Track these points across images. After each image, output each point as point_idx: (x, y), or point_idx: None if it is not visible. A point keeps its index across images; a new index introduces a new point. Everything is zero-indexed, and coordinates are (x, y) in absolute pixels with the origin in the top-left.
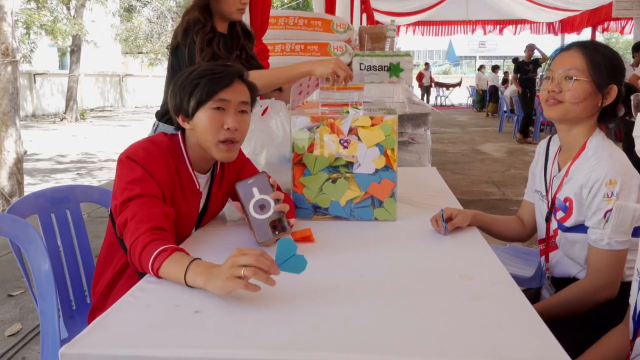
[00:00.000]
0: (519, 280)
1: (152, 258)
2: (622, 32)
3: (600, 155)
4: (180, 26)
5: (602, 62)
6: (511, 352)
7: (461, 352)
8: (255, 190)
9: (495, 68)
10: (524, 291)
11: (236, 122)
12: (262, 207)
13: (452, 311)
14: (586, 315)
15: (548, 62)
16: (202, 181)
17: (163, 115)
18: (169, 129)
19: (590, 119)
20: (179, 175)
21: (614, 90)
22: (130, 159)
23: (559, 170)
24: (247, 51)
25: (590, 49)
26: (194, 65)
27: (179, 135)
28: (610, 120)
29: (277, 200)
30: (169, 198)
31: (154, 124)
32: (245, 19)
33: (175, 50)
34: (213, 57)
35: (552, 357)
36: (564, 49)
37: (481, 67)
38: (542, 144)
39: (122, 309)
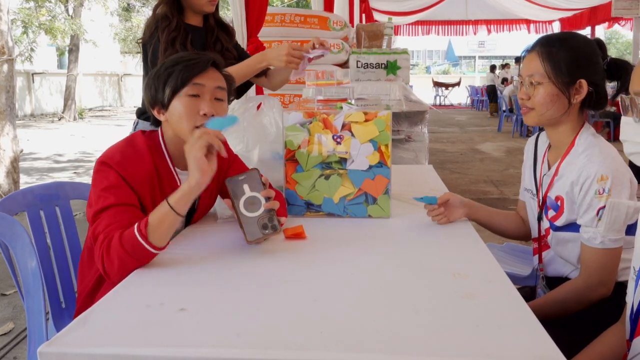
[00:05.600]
0: (515, 278)
1: (135, 227)
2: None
3: (591, 151)
4: (151, 20)
5: (562, 60)
6: (505, 351)
7: (454, 351)
8: (246, 187)
9: (493, 68)
10: (519, 289)
11: (212, 108)
12: (252, 204)
13: (446, 309)
14: (581, 315)
15: (520, 64)
16: (184, 178)
17: (142, 113)
18: (148, 126)
19: (570, 115)
20: (158, 173)
21: (583, 85)
22: (104, 164)
23: (549, 168)
24: (223, 43)
25: (549, 47)
26: (168, 58)
27: (159, 131)
28: (597, 108)
29: (267, 198)
30: (150, 199)
31: (134, 122)
32: (242, 15)
33: (144, 46)
34: None
35: (548, 356)
36: (527, 51)
37: (506, 66)
38: (530, 141)
39: (105, 307)
